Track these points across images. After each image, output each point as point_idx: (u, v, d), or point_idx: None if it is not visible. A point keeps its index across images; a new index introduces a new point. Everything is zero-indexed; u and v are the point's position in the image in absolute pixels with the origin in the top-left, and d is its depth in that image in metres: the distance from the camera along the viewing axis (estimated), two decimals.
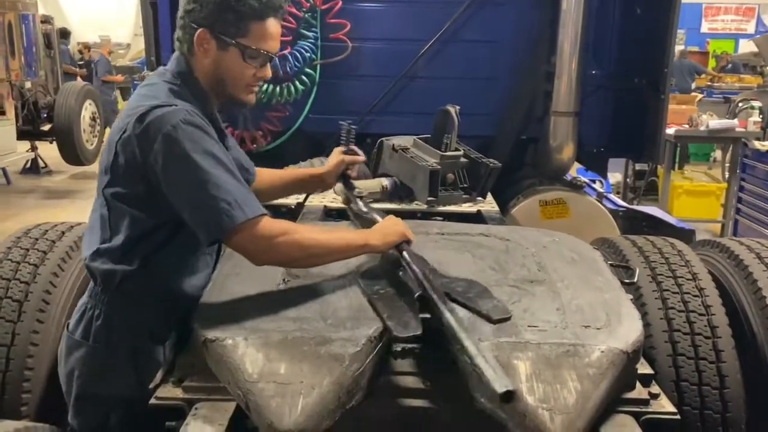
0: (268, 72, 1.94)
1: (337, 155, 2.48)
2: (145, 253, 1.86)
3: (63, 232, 2.69)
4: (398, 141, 3.54)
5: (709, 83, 13.84)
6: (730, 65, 15.40)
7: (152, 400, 1.72)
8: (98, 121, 10.44)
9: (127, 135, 1.76)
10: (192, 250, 1.96)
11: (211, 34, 1.83)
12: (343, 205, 3.45)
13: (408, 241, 1.96)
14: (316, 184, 2.51)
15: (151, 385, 1.78)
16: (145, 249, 1.86)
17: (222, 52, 1.84)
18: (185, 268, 1.97)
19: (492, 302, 1.81)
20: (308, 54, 4.18)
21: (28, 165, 10.22)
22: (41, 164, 10.31)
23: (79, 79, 12.21)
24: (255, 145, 4.36)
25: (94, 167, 9.98)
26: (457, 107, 3.39)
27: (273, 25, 1.87)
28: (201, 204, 1.72)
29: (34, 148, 10.09)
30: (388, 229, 1.98)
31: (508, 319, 1.73)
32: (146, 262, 1.87)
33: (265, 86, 4.16)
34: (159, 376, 1.81)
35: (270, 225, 1.77)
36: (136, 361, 1.90)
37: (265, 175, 2.39)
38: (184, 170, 1.71)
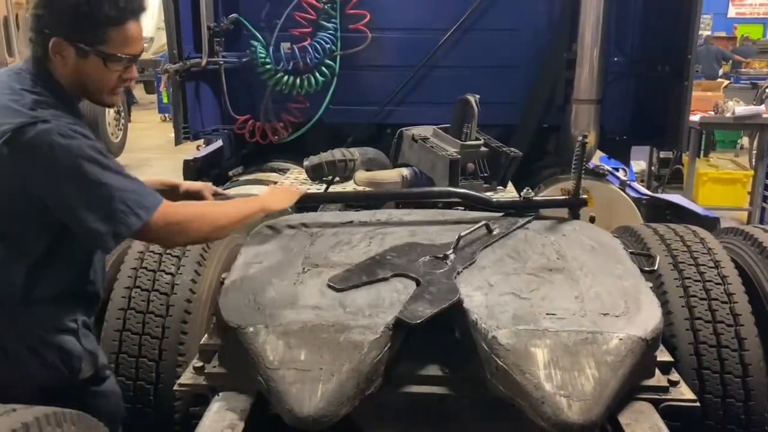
0: (134, 73, 1.85)
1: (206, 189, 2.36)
2: (37, 259, 1.77)
3: None
4: (418, 131, 3.54)
5: (736, 69, 13.58)
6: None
7: (175, 387, 1.76)
8: (122, 114, 10.55)
9: None
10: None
11: (67, 43, 1.71)
12: None
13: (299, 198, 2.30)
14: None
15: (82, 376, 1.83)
16: (35, 254, 1.77)
17: (81, 59, 1.73)
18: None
19: (421, 307, 1.78)
20: (328, 45, 4.19)
21: None
22: None
23: None
24: (276, 137, 4.39)
25: (120, 159, 10.12)
26: (477, 96, 3.38)
27: (133, 28, 1.76)
28: (103, 213, 1.67)
29: None
30: (276, 191, 2.29)
31: (415, 324, 1.71)
32: (44, 264, 1.78)
33: (286, 77, 4.19)
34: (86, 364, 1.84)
35: (174, 210, 1.79)
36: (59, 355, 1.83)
37: None
38: (75, 184, 1.65)
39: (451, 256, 2.04)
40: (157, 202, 1.75)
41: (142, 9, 1.78)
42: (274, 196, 2.23)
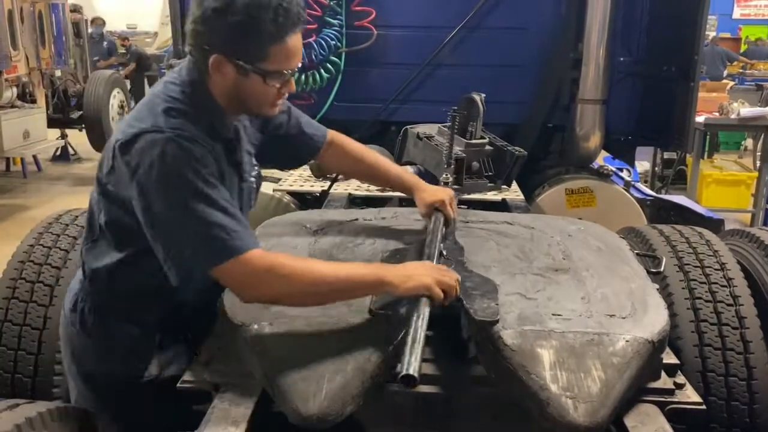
0: (293, 86, 1.78)
1: (441, 194, 2.22)
2: (132, 255, 1.79)
3: None
4: (423, 129, 3.54)
5: (742, 70, 13.55)
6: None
7: (179, 384, 1.75)
8: (126, 109, 10.55)
9: (115, 155, 1.67)
10: None
11: (227, 60, 1.65)
12: (367, 193, 3.47)
13: (430, 297, 1.63)
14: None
15: (147, 374, 1.86)
16: (133, 250, 1.77)
17: (242, 77, 1.68)
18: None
19: (488, 304, 1.75)
20: (333, 42, 4.18)
21: (59, 152, 10.37)
22: (71, 151, 10.45)
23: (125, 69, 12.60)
24: None
25: None
26: (483, 95, 3.37)
27: (293, 41, 1.67)
28: (170, 246, 1.60)
29: (64, 136, 10.22)
30: (414, 271, 1.68)
31: (493, 322, 1.68)
32: (133, 261, 1.79)
33: None
34: (153, 365, 1.87)
35: (257, 258, 1.60)
36: (131, 346, 1.88)
37: (365, 154, 2.34)
38: (163, 205, 1.59)
39: (444, 252, 2.03)
40: (244, 246, 1.58)
41: (301, 20, 1.68)
42: (401, 274, 1.67)
